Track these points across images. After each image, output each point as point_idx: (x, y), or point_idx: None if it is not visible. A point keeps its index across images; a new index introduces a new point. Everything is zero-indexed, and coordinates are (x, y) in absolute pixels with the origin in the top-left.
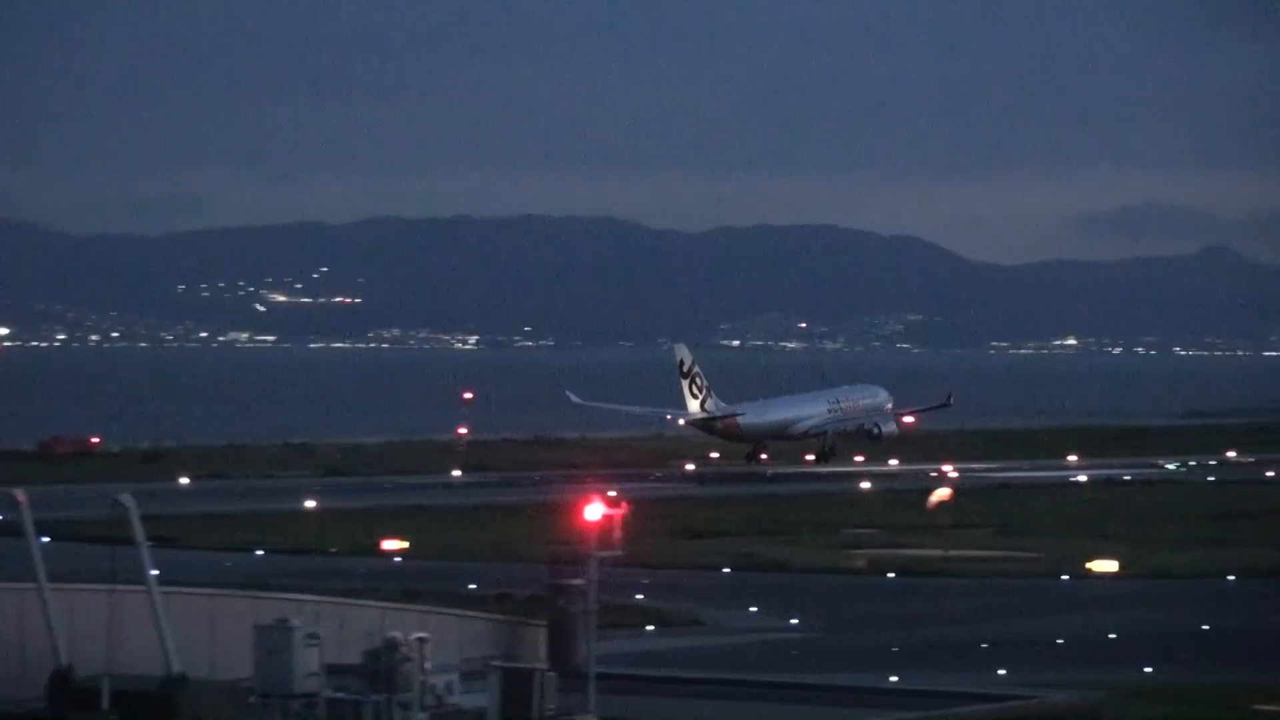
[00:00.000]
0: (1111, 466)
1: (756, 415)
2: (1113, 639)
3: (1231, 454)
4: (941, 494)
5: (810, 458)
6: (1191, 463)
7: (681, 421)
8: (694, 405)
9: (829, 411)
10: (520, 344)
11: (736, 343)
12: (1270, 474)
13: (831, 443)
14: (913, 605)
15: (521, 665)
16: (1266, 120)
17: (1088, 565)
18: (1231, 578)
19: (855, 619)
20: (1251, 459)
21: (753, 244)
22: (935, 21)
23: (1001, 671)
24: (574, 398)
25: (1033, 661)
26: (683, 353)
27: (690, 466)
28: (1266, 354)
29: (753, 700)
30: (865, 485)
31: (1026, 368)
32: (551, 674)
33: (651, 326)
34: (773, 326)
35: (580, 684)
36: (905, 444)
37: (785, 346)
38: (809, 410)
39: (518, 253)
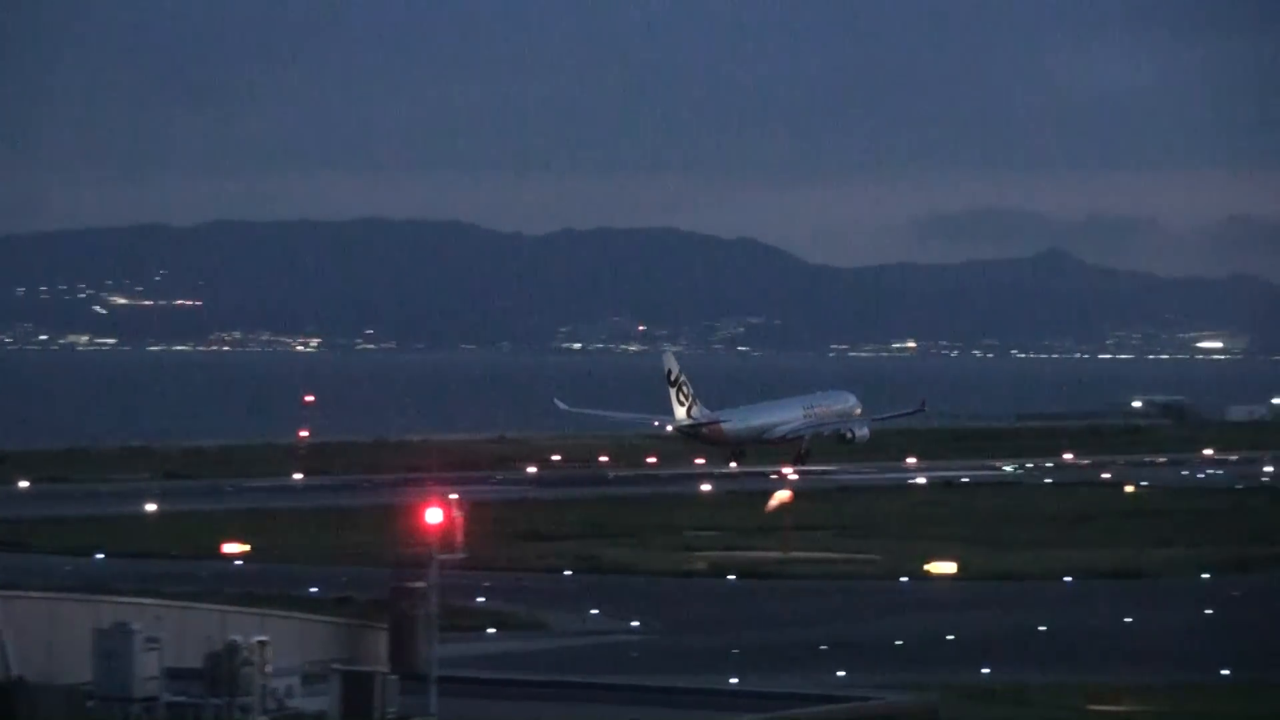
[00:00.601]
0: (950, 469)
1: (739, 421)
2: (951, 640)
3: (1068, 456)
4: (781, 496)
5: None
6: (1029, 465)
7: (669, 428)
8: (680, 412)
9: (805, 416)
10: (362, 347)
11: (578, 345)
12: (1106, 475)
13: (808, 446)
14: (753, 607)
15: (362, 668)
16: (1101, 124)
17: (926, 567)
18: (1069, 579)
19: (696, 621)
20: (1088, 461)
21: (594, 246)
22: (778, 24)
23: (841, 673)
24: (561, 404)
25: (872, 663)
26: (670, 362)
27: (532, 469)
28: (1103, 356)
29: (594, 702)
30: (706, 488)
31: (865, 370)
32: (392, 677)
33: (493, 329)
34: (614, 329)
35: (421, 687)
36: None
37: (626, 349)
38: (786, 415)
39: (360, 255)
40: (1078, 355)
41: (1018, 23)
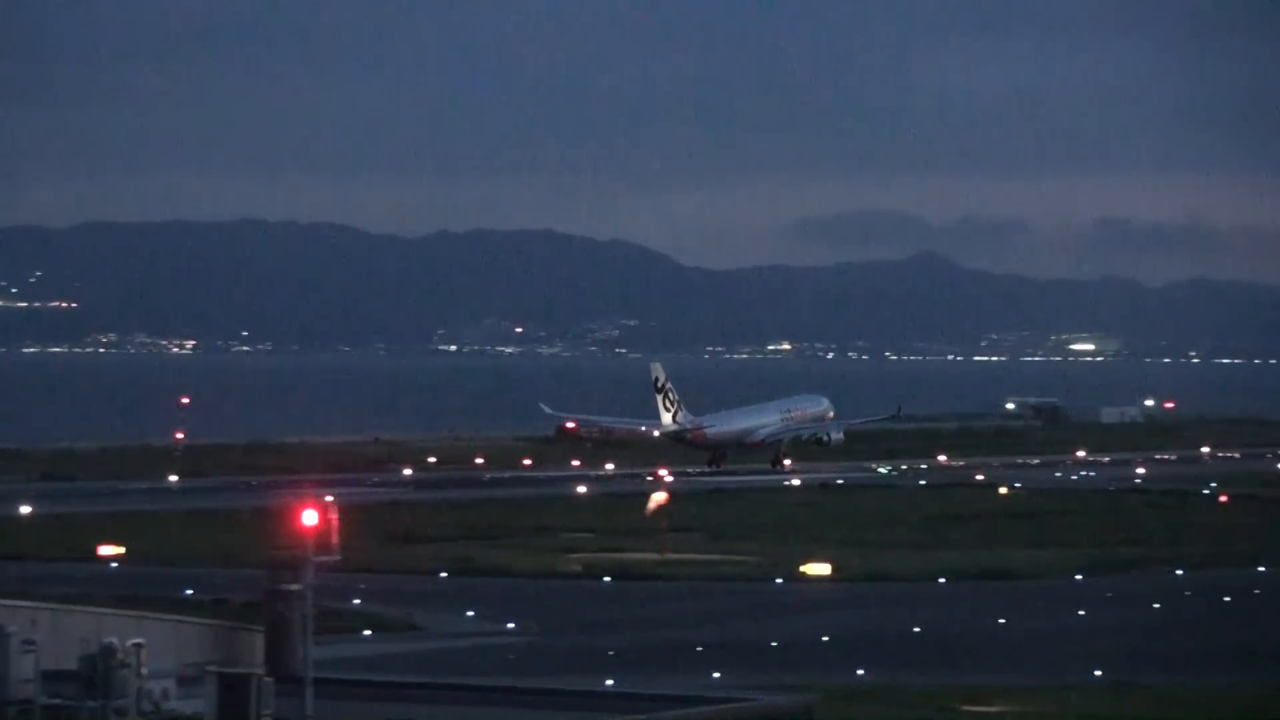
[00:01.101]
0: (824, 470)
1: (722, 425)
2: (826, 641)
3: (942, 457)
4: (658, 498)
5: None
6: (903, 466)
7: (656, 433)
8: (667, 418)
9: (782, 420)
10: (238, 349)
11: (454, 347)
12: (980, 477)
13: (786, 449)
14: (629, 609)
15: (238, 670)
16: (975, 127)
17: (801, 568)
18: (943, 580)
19: (571, 622)
20: (961, 462)
21: (470, 249)
22: (653, 26)
23: (717, 674)
24: (547, 409)
25: (748, 664)
26: (657, 370)
27: (408, 471)
28: (977, 358)
29: (469, 705)
30: (582, 489)
31: (741, 372)
32: (269, 679)
33: (370, 331)
34: (490, 331)
35: (297, 689)
36: (623, 449)
37: (503, 351)
38: (765, 420)
39: (236, 257)
40: (951, 357)
41: (891, 25)
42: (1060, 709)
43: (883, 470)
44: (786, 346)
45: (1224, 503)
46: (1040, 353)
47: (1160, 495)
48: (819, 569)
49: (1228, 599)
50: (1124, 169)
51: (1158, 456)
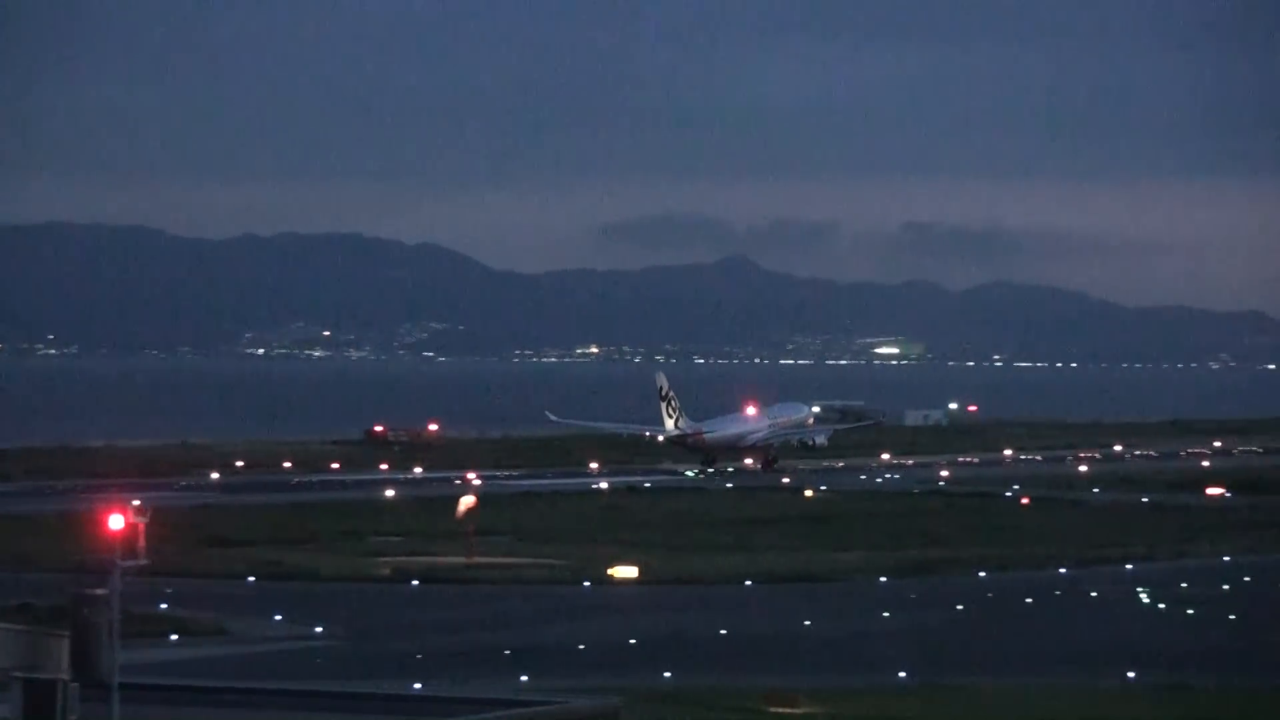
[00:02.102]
0: (633, 473)
1: (719, 430)
2: (633, 644)
3: (749, 461)
4: (467, 501)
5: (749, 462)
6: (710, 469)
7: (660, 438)
8: (669, 424)
9: (770, 427)
10: (44, 352)
11: (261, 351)
12: (786, 480)
13: (776, 453)
14: (437, 612)
15: (44, 676)
16: (783, 130)
17: (609, 571)
18: (749, 582)
19: (380, 626)
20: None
21: (278, 252)
22: (466, 28)
23: (524, 678)
24: (552, 416)
25: (554, 667)
26: (661, 379)
27: (215, 475)
28: (783, 362)
29: (277, 709)
30: (391, 493)
31: (549, 375)
32: (75, 684)
33: (177, 334)
34: (298, 335)
35: (104, 694)
36: (429, 451)
37: (311, 355)
38: (756, 425)
39: (42, 260)
40: (758, 360)
41: (700, 30)
42: (865, 710)
43: (689, 473)
44: (595, 350)
45: (1025, 505)
46: (845, 356)
47: (963, 497)
48: (626, 572)
49: (1029, 600)
50: (929, 174)
51: (961, 459)
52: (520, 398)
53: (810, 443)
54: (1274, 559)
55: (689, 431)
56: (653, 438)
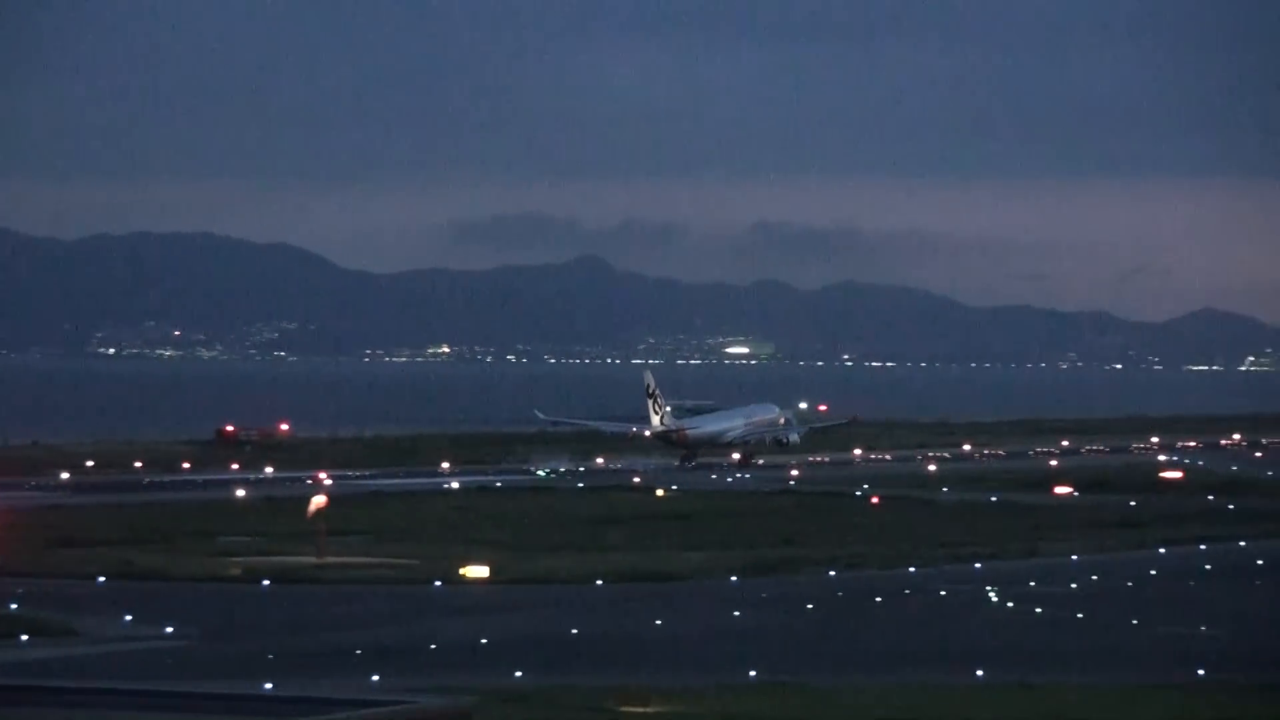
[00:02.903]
0: (484, 473)
1: (700, 427)
2: (485, 643)
3: (600, 460)
4: (318, 501)
5: (737, 457)
6: (562, 469)
7: (647, 433)
8: (655, 421)
9: (745, 425)
10: None
11: (112, 350)
12: (638, 479)
13: (752, 449)
14: (288, 612)
15: None
16: (634, 130)
17: (461, 571)
18: (601, 582)
19: (231, 626)
20: (619, 464)
21: (130, 251)
22: (314, 28)
23: (375, 678)
24: (540, 415)
25: (406, 667)
26: (649, 379)
27: (65, 476)
28: (634, 361)
29: (127, 709)
30: (242, 493)
31: (400, 375)
32: None
33: (28, 334)
34: (149, 334)
35: None
36: (280, 451)
37: (162, 354)
38: (732, 424)
39: None
40: (609, 360)
41: (552, 29)
42: (715, 708)
43: (541, 473)
44: (446, 349)
45: (876, 504)
46: (696, 356)
47: (813, 497)
48: (477, 571)
49: (879, 599)
50: (779, 174)
51: (811, 458)
52: (371, 398)
53: (784, 440)
54: (1120, 557)
55: (673, 428)
56: (639, 434)
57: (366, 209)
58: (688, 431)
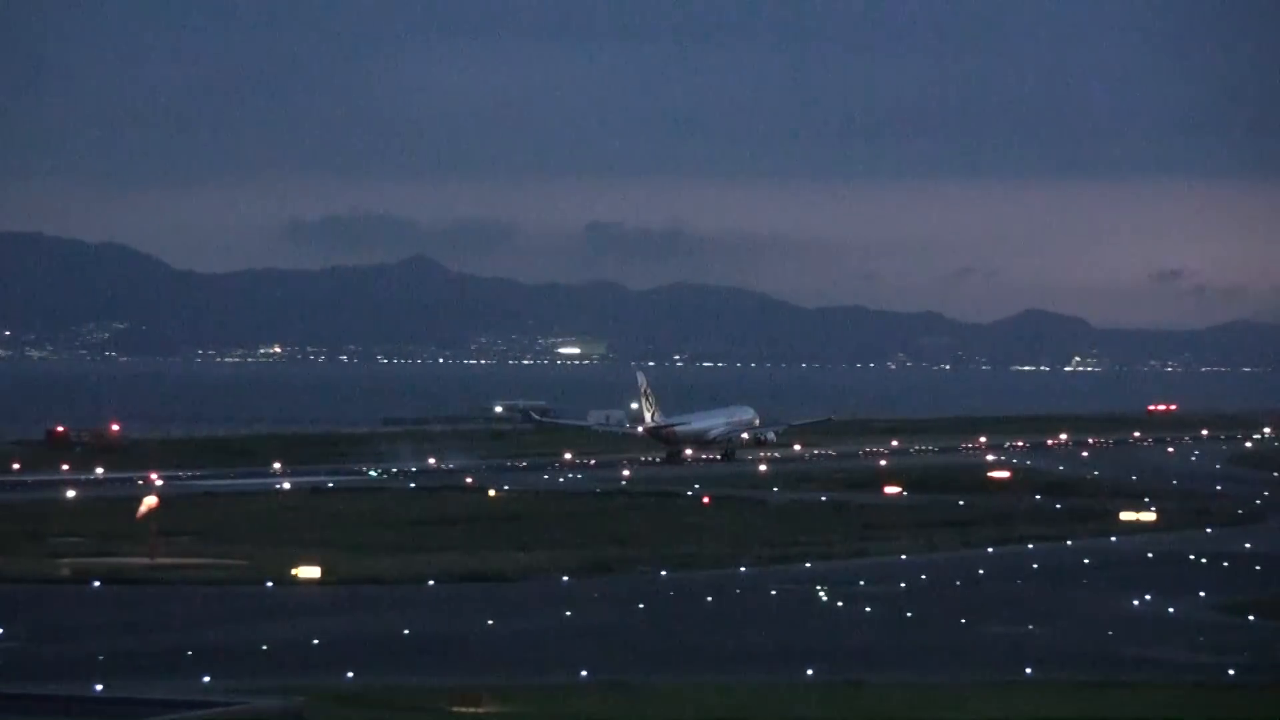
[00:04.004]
0: (316, 474)
1: (688, 425)
2: (316, 644)
3: (432, 461)
4: (149, 502)
5: (719, 456)
6: (394, 469)
7: (640, 429)
8: (647, 418)
9: (726, 424)
10: None
11: None
12: (470, 480)
13: (734, 446)
14: (119, 613)
15: None
16: (468, 130)
17: (292, 572)
18: (432, 582)
19: (60, 628)
20: (452, 465)
21: None
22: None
23: (207, 679)
24: (536, 415)
25: (238, 668)
26: (642, 379)
27: None
28: (467, 362)
29: None
30: (72, 494)
31: (232, 375)
32: None
33: None
34: None
35: None
36: (111, 452)
37: None
38: (715, 422)
39: None
40: (442, 360)
41: (383, 28)
42: (548, 708)
43: (373, 473)
44: (278, 350)
45: (707, 503)
46: (529, 356)
47: (645, 497)
48: (309, 572)
49: (710, 599)
50: (613, 175)
51: (643, 459)
52: (203, 398)
53: (763, 438)
54: (949, 556)
55: (663, 425)
56: (632, 430)
57: (198, 209)
58: (676, 429)
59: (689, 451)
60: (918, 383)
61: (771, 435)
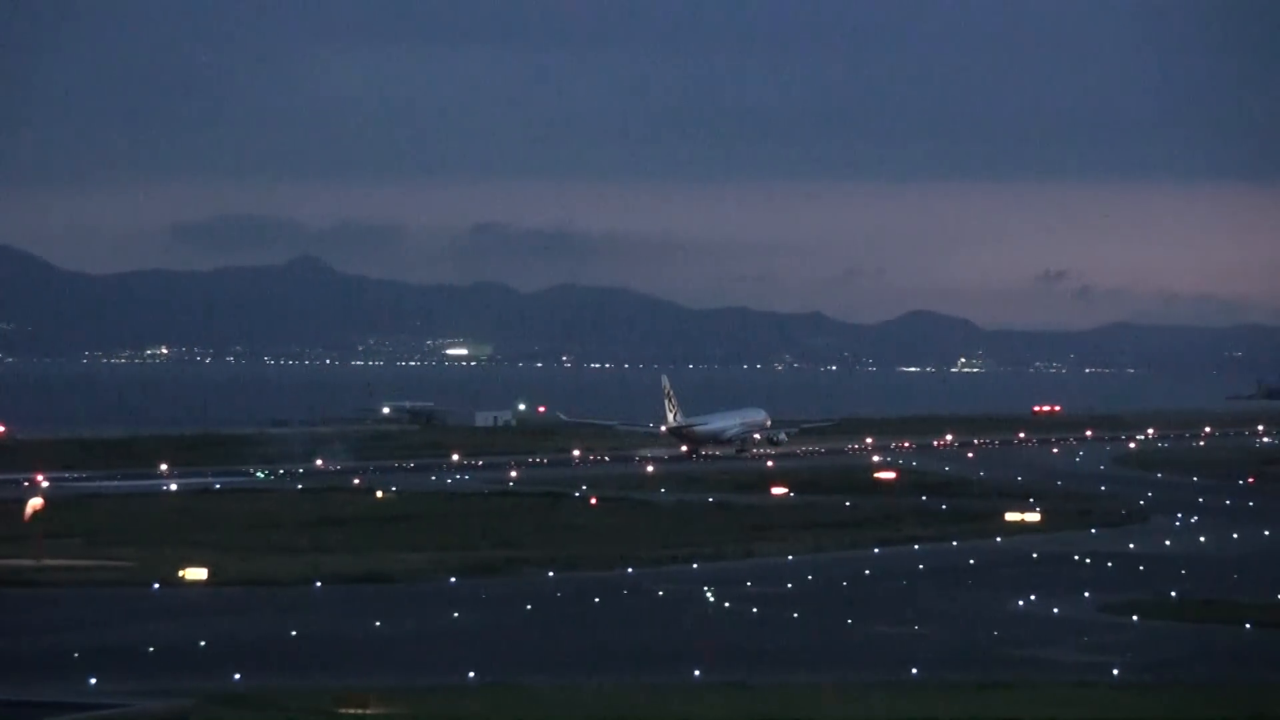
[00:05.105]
0: (203, 475)
1: (706, 425)
2: (203, 646)
3: (319, 462)
4: (35, 503)
5: (734, 453)
6: (281, 471)
7: (663, 429)
8: (670, 418)
9: (740, 425)
10: None
11: None
12: (357, 481)
13: (749, 445)
14: (4, 616)
15: None
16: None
17: (180, 573)
18: (320, 584)
19: None
20: (339, 466)
21: None
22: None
23: (93, 680)
24: (563, 416)
25: (124, 670)
26: (665, 382)
27: None
28: (355, 363)
29: None
30: None
31: (119, 376)
32: None
33: None
34: None
35: None
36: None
37: None
38: (730, 423)
39: None
40: (328, 362)
41: (269, 29)
42: (435, 710)
43: (260, 475)
44: (165, 351)
45: (594, 505)
46: (417, 357)
47: (533, 498)
48: (196, 573)
49: (598, 600)
50: (500, 176)
51: (531, 460)
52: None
53: (775, 439)
54: (836, 557)
55: (684, 425)
56: (655, 429)
57: (85, 210)
58: (696, 428)
59: (706, 450)
60: (803, 384)
61: (783, 436)
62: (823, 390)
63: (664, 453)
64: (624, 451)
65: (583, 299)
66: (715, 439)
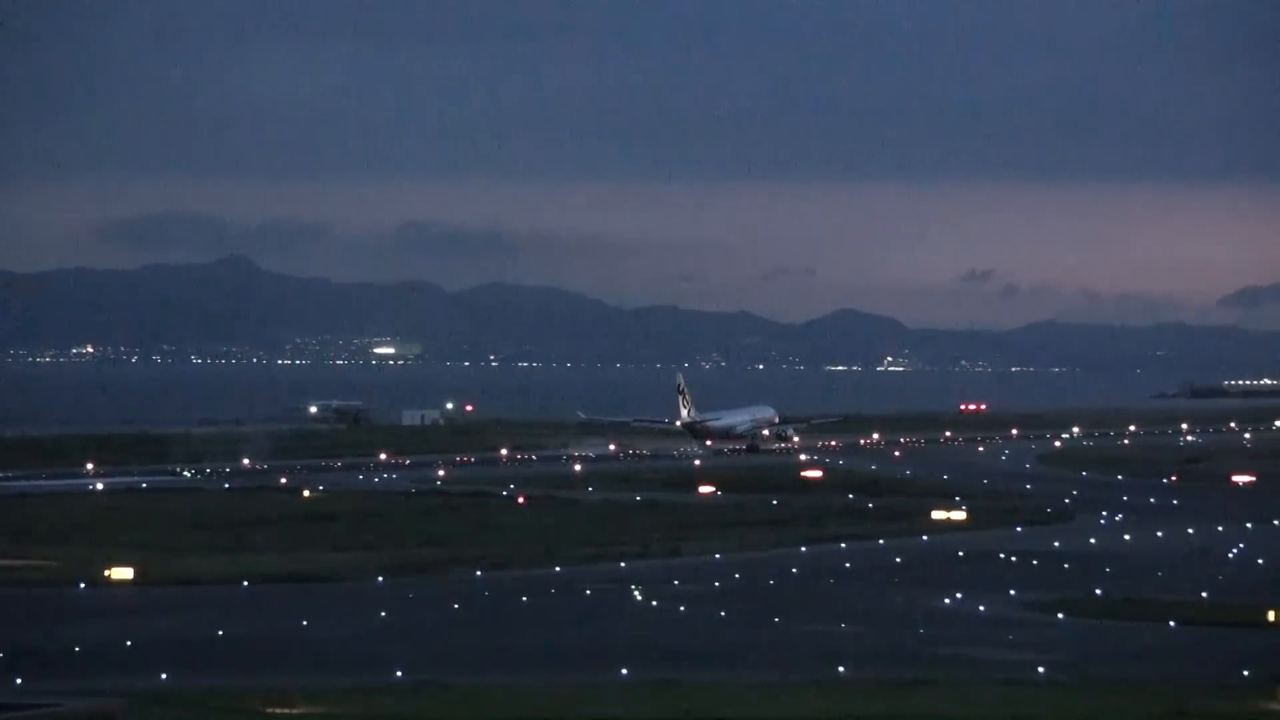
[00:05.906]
0: (130, 474)
1: (718, 421)
2: (130, 646)
3: (247, 461)
4: None
5: (743, 448)
6: (208, 470)
7: (678, 424)
8: (684, 413)
9: (750, 421)
10: None
11: None
12: (284, 480)
13: (758, 441)
14: None
15: None
16: (280, 129)
17: (106, 573)
18: (247, 583)
19: None
20: (265, 465)
21: None
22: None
23: (19, 681)
24: (582, 414)
25: (51, 670)
26: (679, 379)
27: None
28: (281, 362)
29: None
30: None
31: (44, 376)
32: None
33: None
34: None
35: None
36: None
37: None
38: (740, 419)
39: None
40: (255, 361)
41: (196, 26)
42: (363, 710)
43: (187, 474)
44: (90, 350)
45: (522, 504)
46: (344, 356)
47: (460, 497)
48: (122, 573)
49: (525, 599)
50: (427, 174)
51: (458, 459)
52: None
53: (784, 435)
54: (762, 556)
55: (697, 420)
56: (670, 424)
57: (8, 207)
58: (709, 424)
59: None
60: (731, 383)
61: (792, 431)
62: (749, 390)
63: (688, 447)
64: (550, 452)
65: (511, 298)
66: (727, 434)
